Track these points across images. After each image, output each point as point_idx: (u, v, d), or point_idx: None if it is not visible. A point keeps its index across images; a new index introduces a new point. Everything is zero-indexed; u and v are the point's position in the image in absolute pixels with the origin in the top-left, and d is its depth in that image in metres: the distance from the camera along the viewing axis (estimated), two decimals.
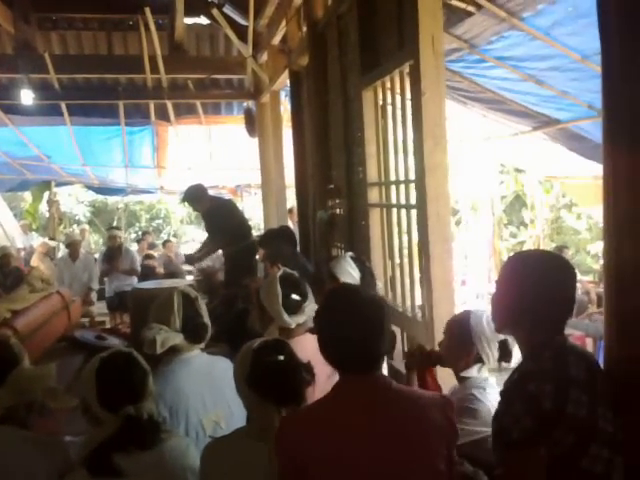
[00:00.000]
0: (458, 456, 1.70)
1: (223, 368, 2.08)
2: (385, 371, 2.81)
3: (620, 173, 1.51)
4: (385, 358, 2.81)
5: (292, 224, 6.80)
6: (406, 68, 3.05)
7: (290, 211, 7.40)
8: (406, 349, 3.58)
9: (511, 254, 1.69)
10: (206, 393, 2.07)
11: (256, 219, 11.40)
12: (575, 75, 4.96)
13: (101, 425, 1.66)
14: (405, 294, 3.37)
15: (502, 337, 2.00)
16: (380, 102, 3.62)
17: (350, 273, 3.02)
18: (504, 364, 2.05)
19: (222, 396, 2.05)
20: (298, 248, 4.98)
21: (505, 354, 2.04)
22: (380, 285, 3.42)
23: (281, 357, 1.66)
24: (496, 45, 5.03)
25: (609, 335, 1.56)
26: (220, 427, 2.05)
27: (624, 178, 1.50)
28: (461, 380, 2.11)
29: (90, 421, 1.73)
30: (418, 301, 3.19)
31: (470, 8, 4.53)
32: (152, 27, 6.62)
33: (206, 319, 2.14)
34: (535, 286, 1.49)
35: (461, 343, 2.09)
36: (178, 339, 2.04)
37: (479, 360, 2.07)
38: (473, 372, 2.07)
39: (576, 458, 1.37)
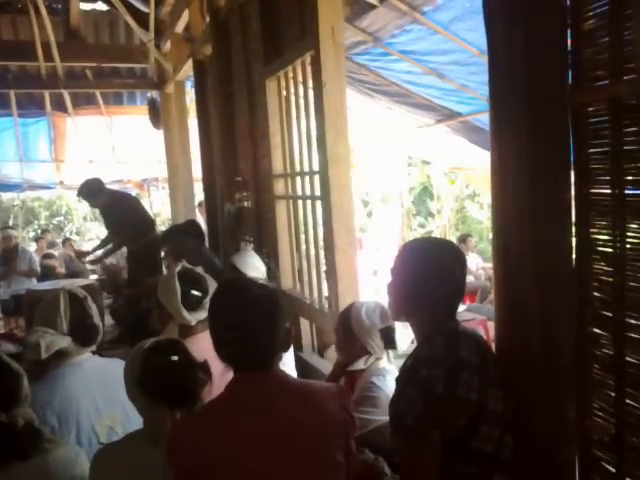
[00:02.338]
0: (360, 445, 1.70)
1: (117, 370, 1.95)
2: (292, 363, 2.81)
3: (506, 161, 1.55)
4: (291, 350, 2.81)
5: (202, 218, 6.63)
6: (307, 58, 3.03)
7: (200, 205, 7.22)
8: (315, 341, 3.58)
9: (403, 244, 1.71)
10: (99, 397, 1.95)
11: (165, 214, 11.04)
12: (474, 69, 5.15)
13: None
14: (312, 286, 3.37)
15: (382, 326, 2.05)
16: (284, 92, 3.58)
17: (256, 266, 2.97)
18: (391, 351, 2.09)
19: (117, 399, 1.93)
20: (207, 243, 4.86)
21: (389, 342, 2.08)
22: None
23: (174, 357, 1.58)
24: (399, 39, 5.13)
25: (499, 319, 1.61)
26: (115, 432, 1.94)
27: (511, 166, 1.54)
28: (354, 372, 2.13)
29: None
30: (326, 292, 3.19)
31: (373, 1, 4.58)
32: (43, 11, 6.20)
33: (96, 320, 2.01)
34: (426, 273, 1.51)
35: (346, 336, 2.11)
36: (65, 342, 1.91)
37: (367, 351, 2.09)
38: (360, 364, 2.09)
39: (467, 439, 1.41)
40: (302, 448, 1.37)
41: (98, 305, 3.75)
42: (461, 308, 5.66)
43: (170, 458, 1.37)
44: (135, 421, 1.85)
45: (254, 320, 1.37)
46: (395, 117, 7.34)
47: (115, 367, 1.98)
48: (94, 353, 2.08)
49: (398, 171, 11.18)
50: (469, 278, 7.43)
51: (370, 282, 8.29)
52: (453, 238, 9.63)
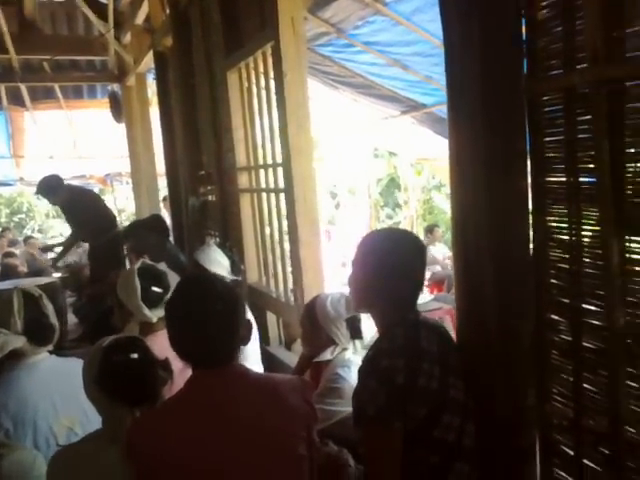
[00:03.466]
0: (324, 437, 1.70)
1: (75, 369, 1.90)
2: (257, 356, 2.79)
3: (463, 151, 1.56)
4: (257, 344, 2.79)
5: (167, 213, 6.53)
6: (268, 49, 3.00)
7: (164, 200, 7.11)
8: (282, 334, 3.57)
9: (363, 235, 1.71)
10: (57, 398, 1.90)
11: (130, 209, 10.85)
12: (436, 60, 5.15)
13: None
14: (278, 279, 3.35)
15: (347, 316, 2.05)
16: (245, 84, 3.53)
17: (219, 262, 2.93)
18: (357, 341, 2.09)
19: (75, 399, 1.88)
20: (171, 238, 4.79)
21: (355, 332, 2.09)
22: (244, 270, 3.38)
23: (134, 355, 1.55)
24: (363, 30, 5.12)
25: (459, 307, 1.62)
26: (75, 433, 1.89)
27: (468, 155, 1.54)
28: (320, 364, 2.13)
29: None
30: (291, 285, 3.18)
31: None
32: None
33: (52, 319, 1.95)
34: (388, 265, 1.51)
35: (312, 328, 2.11)
36: (20, 342, 1.85)
37: (333, 342, 2.09)
38: (327, 355, 2.09)
39: (429, 429, 1.41)
40: (264, 442, 1.36)
41: (60, 303, 3.67)
42: (428, 297, 5.72)
43: (129, 456, 1.35)
44: (95, 421, 1.80)
45: (211, 318, 1.35)
46: (360, 109, 7.34)
47: (73, 366, 1.94)
48: (54, 352, 2.03)
49: (365, 163, 11.21)
50: (436, 268, 7.51)
51: (339, 274, 8.29)
52: (420, 228, 9.71)
